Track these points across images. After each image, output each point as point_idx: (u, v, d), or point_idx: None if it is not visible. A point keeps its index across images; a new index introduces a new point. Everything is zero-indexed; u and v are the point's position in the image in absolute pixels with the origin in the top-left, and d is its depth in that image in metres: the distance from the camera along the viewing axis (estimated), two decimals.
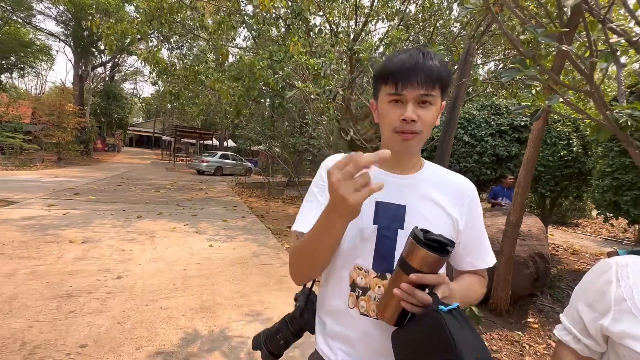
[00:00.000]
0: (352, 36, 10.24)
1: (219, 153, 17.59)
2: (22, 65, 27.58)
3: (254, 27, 9.06)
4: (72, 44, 20.16)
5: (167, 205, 7.34)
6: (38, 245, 3.85)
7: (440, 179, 0.77)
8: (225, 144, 24.63)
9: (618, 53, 1.40)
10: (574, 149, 4.81)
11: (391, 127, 0.69)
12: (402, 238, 0.69)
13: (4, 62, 25.73)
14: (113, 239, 4.36)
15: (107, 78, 27.63)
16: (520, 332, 2.92)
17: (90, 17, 12.91)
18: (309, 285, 0.91)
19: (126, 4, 16.28)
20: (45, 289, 2.81)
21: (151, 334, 2.31)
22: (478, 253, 0.77)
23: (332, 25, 9.60)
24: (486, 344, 2.69)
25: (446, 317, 0.54)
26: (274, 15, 6.85)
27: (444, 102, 0.71)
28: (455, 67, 5.75)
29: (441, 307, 0.55)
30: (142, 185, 10.42)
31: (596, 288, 0.72)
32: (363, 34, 10.03)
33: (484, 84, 7.41)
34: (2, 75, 27.58)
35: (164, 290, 3.03)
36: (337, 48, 7.41)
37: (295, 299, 0.89)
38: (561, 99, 1.71)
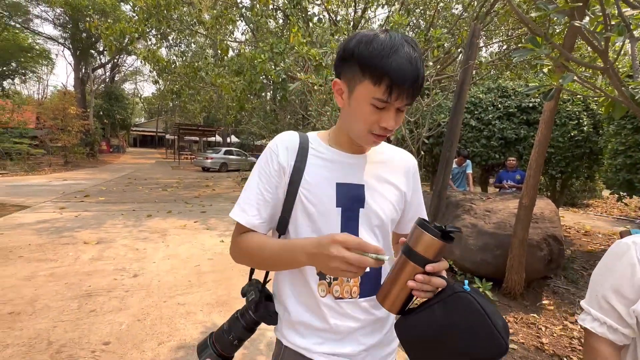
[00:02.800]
0: (351, 24, 10.07)
1: (223, 149, 17.64)
2: (23, 71, 27.66)
3: (252, 20, 8.94)
4: (70, 46, 20.15)
5: (175, 203, 7.40)
6: (54, 247, 3.92)
7: (387, 155, 0.81)
8: (228, 139, 24.65)
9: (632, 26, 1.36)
10: (585, 128, 4.73)
11: (368, 128, 0.65)
12: (364, 217, 0.72)
13: (4, 68, 25.85)
14: (126, 239, 4.42)
15: (108, 79, 27.65)
16: (535, 315, 2.92)
17: (87, 19, 12.85)
18: (257, 276, 0.86)
19: (122, 3, 16.16)
20: (65, 289, 2.87)
21: (171, 329, 2.36)
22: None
23: (331, 14, 9.43)
24: None
25: (472, 295, 0.57)
26: (272, 7, 6.74)
27: None
28: (460, 50, 5.64)
29: (466, 287, 0.59)
30: (149, 184, 10.51)
31: (620, 273, 0.70)
32: (363, 21, 9.88)
33: (488, 67, 7.29)
34: (5, 82, 27.70)
35: (180, 286, 3.08)
36: (337, 37, 7.31)
37: (244, 294, 0.81)
38: (575, 77, 1.67)
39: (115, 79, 29.37)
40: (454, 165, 5.09)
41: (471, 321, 0.56)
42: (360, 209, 0.72)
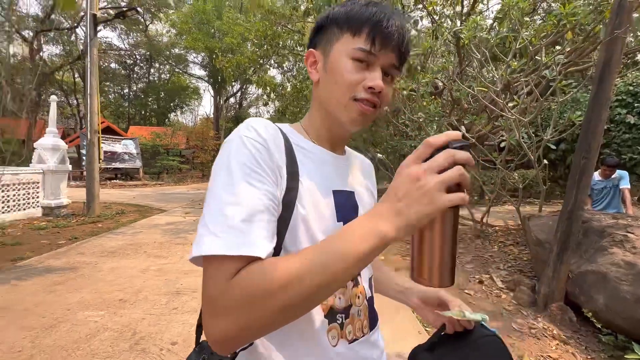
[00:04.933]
0: (459, 23, 9.08)
1: None
2: (182, 105, 35.73)
3: None
4: (211, 81, 24.97)
5: None
6: (169, 246, 4.64)
7: (358, 160, 0.71)
8: None
9: None
10: None
11: (351, 92, 0.53)
12: None
13: (171, 104, 34.03)
14: None
15: (237, 106, 32.99)
16: None
17: (213, 56, 15.77)
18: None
19: (247, 43, 19.13)
20: (163, 284, 3.29)
21: None
22: None
23: (434, 15, 8.71)
24: None
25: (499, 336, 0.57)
26: None
27: None
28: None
29: (493, 330, 0.57)
30: None
31: None
32: (472, 17, 8.78)
33: None
34: (171, 114, 36.29)
35: None
36: (441, 39, 6.62)
37: None
38: None
39: (243, 105, 34.81)
40: (597, 178, 3.76)
41: None
42: None
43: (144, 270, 3.65)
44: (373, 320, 0.61)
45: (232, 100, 31.90)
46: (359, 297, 0.57)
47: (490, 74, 4.32)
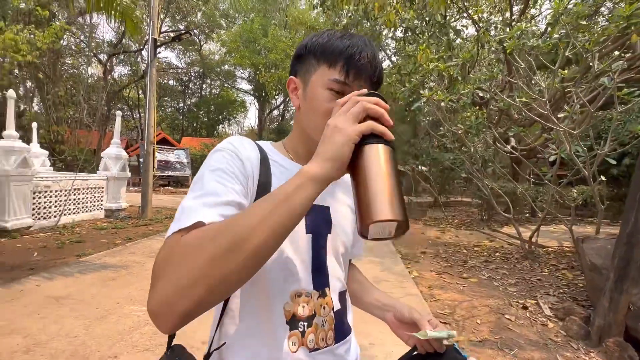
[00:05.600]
0: (507, 29, 8.68)
1: None
2: (229, 118, 38.02)
3: (391, 49, 9.03)
4: (256, 95, 26.34)
5: None
6: None
7: (341, 179, 0.67)
8: None
9: None
10: None
11: (328, 119, 0.53)
12: (331, 244, 0.63)
13: (220, 116, 36.35)
14: None
15: (280, 118, 34.27)
16: None
17: (257, 72, 16.64)
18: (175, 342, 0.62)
19: (289, 58, 19.97)
20: None
21: None
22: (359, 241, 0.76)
23: (480, 24, 8.44)
24: None
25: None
26: (402, 27, 6.59)
27: None
28: None
29: (465, 355, 0.57)
30: None
31: None
32: (524, 23, 8.32)
33: None
34: (219, 126, 38.70)
35: None
36: (487, 47, 6.37)
37: None
38: None
39: (285, 117, 36.09)
40: None
41: None
42: (328, 235, 0.63)
43: None
44: (341, 333, 0.62)
45: (275, 112, 33.27)
46: (324, 308, 0.60)
47: (539, 83, 4.05)
